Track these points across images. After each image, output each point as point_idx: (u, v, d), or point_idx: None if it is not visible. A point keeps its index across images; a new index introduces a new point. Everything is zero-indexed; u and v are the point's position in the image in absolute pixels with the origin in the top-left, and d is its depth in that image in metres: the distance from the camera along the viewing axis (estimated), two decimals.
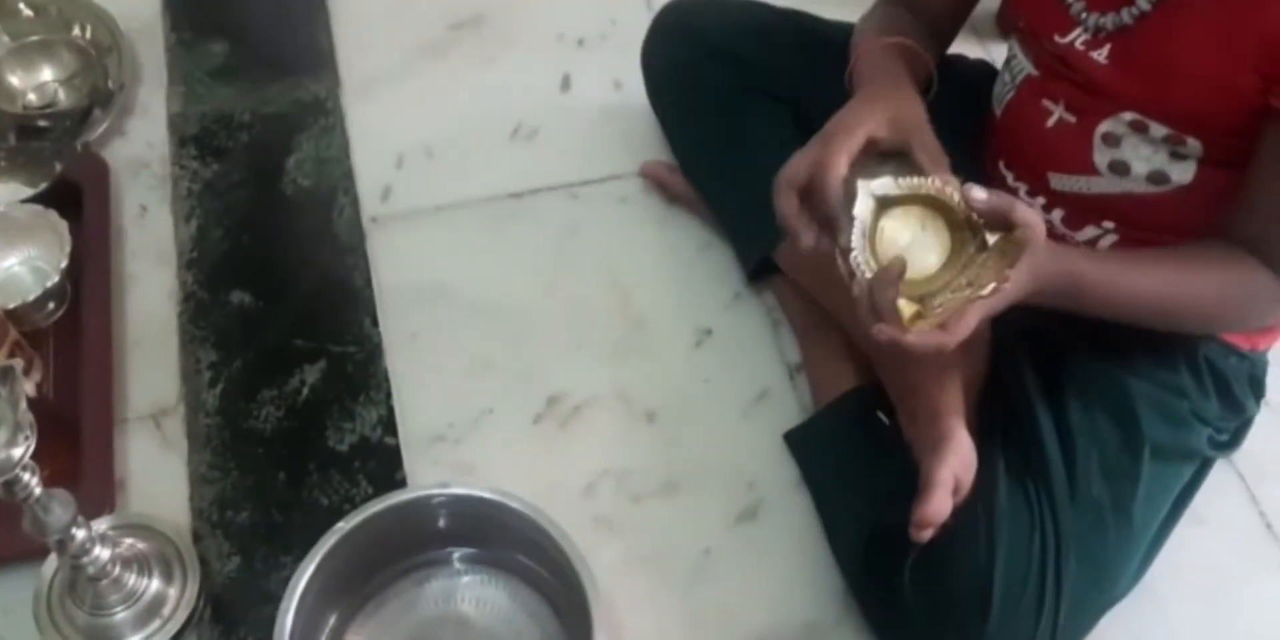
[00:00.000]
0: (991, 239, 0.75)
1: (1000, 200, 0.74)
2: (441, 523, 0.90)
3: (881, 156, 0.82)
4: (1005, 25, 1.36)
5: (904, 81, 0.88)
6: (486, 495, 0.86)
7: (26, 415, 0.68)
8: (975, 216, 0.75)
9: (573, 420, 1.07)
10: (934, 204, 0.77)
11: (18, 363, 0.72)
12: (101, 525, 0.91)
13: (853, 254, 0.76)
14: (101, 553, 0.86)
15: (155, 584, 0.91)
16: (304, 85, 1.32)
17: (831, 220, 0.80)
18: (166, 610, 0.91)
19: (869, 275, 0.75)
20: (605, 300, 1.15)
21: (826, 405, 1.02)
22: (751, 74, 1.12)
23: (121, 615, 0.90)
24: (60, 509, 0.78)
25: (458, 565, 0.93)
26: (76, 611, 0.90)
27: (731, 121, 1.12)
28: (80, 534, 0.82)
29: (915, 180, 0.77)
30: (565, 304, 1.15)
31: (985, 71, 1.05)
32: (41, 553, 0.91)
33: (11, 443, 0.68)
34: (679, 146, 1.21)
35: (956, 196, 0.75)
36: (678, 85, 1.19)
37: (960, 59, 1.11)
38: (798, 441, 1.03)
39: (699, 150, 1.17)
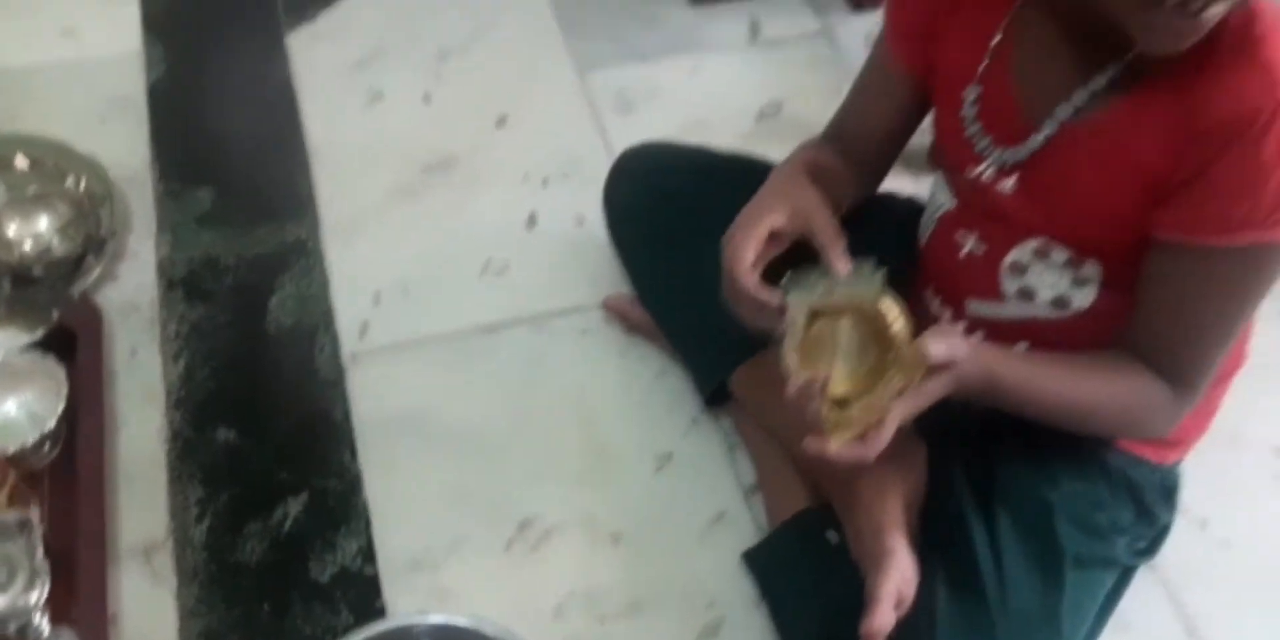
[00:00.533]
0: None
1: (928, 337, 0.82)
2: None
3: (816, 264, 0.91)
4: (935, 159, 1.48)
5: (801, 178, 0.99)
6: (463, 623, 0.92)
7: (43, 564, 0.74)
8: (894, 330, 0.84)
9: (543, 544, 1.13)
10: (861, 313, 0.86)
11: (34, 513, 0.78)
12: None
13: (783, 363, 0.85)
14: None
15: None
16: (286, 228, 1.41)
17: (751, 310, 0.89)
18: None
19: (796, 384, 0.84)
20: (571, 427, 1.23)
21: (780, 525, 1.09)
22: (703, 213, 1.20)
23: None
24: None
25: None
26: None
27: (686, 258, 1.20)
28: None
29: (844, 292, 0.86)
30: (534, 432, 1.22)
31: (915, 208, 1.16)
32: None
33: (29, 588, 0.74)
34: (638, 280, 1.29)
35: (882, 311, 0.84)
36: (636, 224, 1.28)
37: (891, 197, 1.22)
38: (755, 561, 1.10)
39: (656, 284, 1.26)
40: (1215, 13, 0.73)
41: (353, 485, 1.16)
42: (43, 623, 0.80)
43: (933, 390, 0.84)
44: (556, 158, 1.51)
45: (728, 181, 1.22)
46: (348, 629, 1.04)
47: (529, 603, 1.08)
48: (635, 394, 1.25)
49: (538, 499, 1.16)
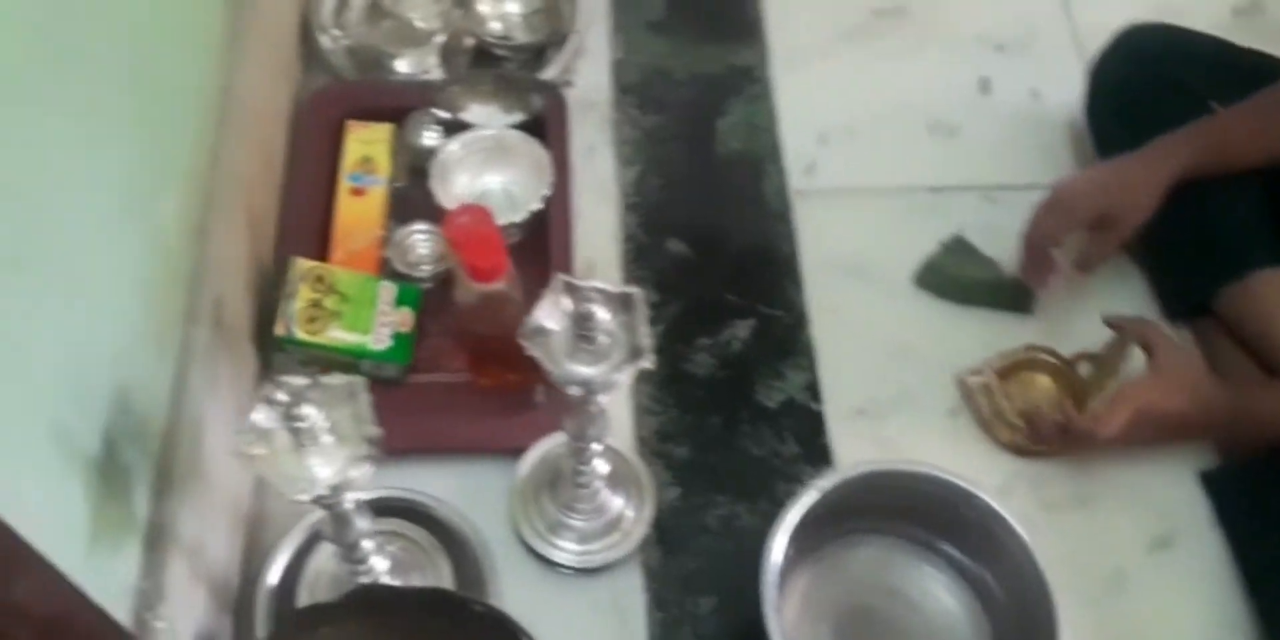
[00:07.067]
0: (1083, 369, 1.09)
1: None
2: (896, 498, 0.96)
3: None
4: None
5: (1161, 176, 1.06)
6: (950, 479, 0.93)
7: (647, 340, 0.75)
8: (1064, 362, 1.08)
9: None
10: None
11: (637, 292, 0.78)
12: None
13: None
14: (599, 464, 0.95)
15: (619, 502, 1.00)
16: (735, 52, 1.37)
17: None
18: (626, 526, 1.00)
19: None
20: None
21: (1252, 454, 1.04)
22: (1203, 110, 1.13)
23: (585, 523, 0.99)
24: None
25: (901, 541, 0.99)
26: (549, 506, 0.99)
27: None
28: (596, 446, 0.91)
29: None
30: None
31: None
32: (518, 452, 1.02)
33: (626, 363, 0.75)
34: None
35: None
36: (1127, 109, 1.20)
37: None
38: (1216, 482, 1.06)
39: None
40: None
41: (799, 320, 1.16)
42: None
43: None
44: (1012, 23, 1.42)
45: (1244, 80, 1.14)
46: (793, 458, 1.07)
47: (973, 470, 1.06)
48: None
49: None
